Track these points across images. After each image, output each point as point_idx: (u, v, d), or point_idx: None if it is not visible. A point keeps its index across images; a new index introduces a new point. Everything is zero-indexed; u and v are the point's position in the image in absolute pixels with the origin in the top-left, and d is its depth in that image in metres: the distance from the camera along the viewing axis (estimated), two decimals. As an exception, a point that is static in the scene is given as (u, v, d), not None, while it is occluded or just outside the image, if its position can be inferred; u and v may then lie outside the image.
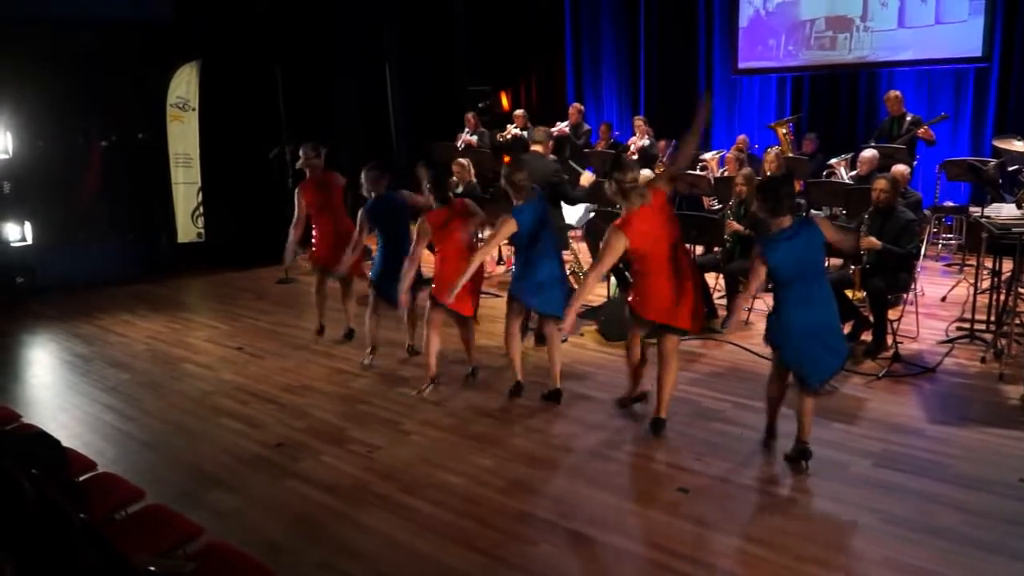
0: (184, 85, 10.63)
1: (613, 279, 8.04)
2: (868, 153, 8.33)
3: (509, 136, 11.38)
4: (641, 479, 4.70)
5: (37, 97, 9.76)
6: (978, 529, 3.98)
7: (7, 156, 9.51)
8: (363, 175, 6.46)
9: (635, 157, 10.24)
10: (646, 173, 8.06)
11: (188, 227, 10.92)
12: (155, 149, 10.83)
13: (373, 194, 6.45)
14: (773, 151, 8.77)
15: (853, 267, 6.55)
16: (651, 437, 5.17)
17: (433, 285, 5.95)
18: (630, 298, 5.15)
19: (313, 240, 7.30)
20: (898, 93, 9.37)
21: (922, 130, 9.05)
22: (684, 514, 4.28)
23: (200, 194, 10.84)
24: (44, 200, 9.95)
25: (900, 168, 7.56)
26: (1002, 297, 6.41)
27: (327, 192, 7.08)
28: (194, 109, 10.66)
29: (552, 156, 7.79)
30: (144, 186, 10.96)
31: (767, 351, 6.54)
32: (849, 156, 9.20)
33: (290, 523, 4.37)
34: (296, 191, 7.11)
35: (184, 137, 10.72)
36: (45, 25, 9.75)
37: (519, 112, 11.59)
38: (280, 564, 3.55)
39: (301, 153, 7.10)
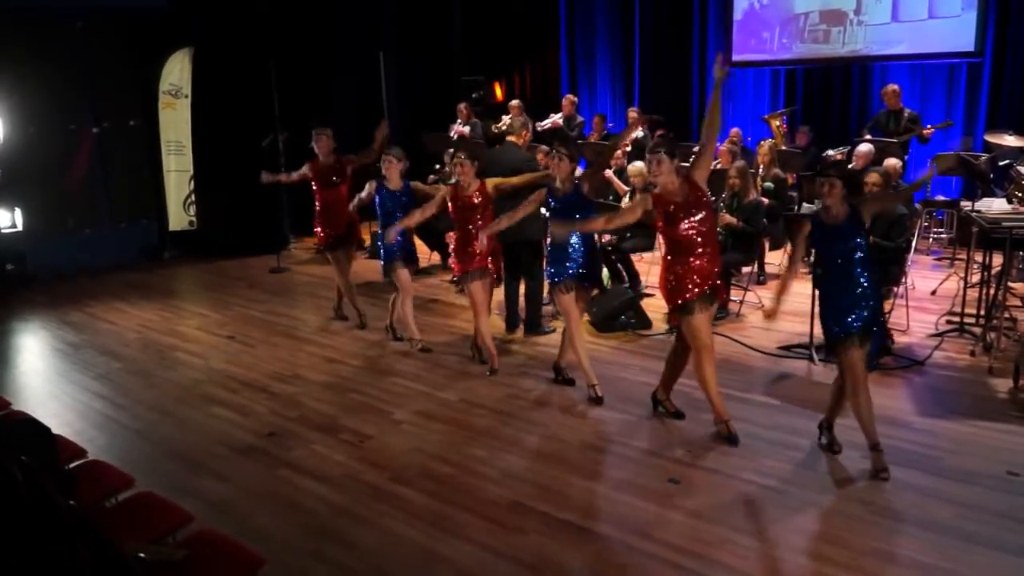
0: (177, 72, 10.56)
1: (605, 271, 8.05)
2: (864, 148, 8.31)
3: (503, 127, 11.34)
4: (632, 470, 4.71)
5: (28, 83, 9.71)
6: (968, 521, 4.01)
7: (-2, 142, 9.46)
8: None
9: (628, 149, 10.23)
10: (639, 165, 8.08)
11: (180, 215, 10.87)
12: (147, 136, 10.79)
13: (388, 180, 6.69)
14: (767, 144, 8.77)
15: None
16: (641, 428, 5.19)
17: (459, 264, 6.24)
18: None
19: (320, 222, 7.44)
20: (896, 87, 9.38)
21: (927, 130, 9.08)
22: (675, 505, 4.29)
23: (192, 182, 10.78)
24: (35, 187, 9.90)
25: (892, 162, 7.57)
26: (992, 291, 6.44)
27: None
28: (187, 96, 10.59)
29: (544, 147, 7.80)
30: (136, 174, 10.92)
31: (758, 343, 6.61)
32: (846, 149, 9.22)
33: (281, 512, 4.37)
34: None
35: (176, 124, 10.66)
36: (38, 12, 9.68)
37: (514, 103, 11.55)
38: (271, 553, 3.54)
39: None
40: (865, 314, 4.42)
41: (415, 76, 13.09)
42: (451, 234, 6.76)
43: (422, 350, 6.72)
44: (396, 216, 6.62)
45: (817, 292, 4.76)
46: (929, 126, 9.20)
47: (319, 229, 7.41)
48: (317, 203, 7.37)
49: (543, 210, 5.70)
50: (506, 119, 11.45)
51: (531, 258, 6.87)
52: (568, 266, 5.58)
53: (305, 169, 7.32)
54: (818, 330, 6.26)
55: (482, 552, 3.94)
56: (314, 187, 7.32)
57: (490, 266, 6.24)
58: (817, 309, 4.72)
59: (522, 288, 7.07)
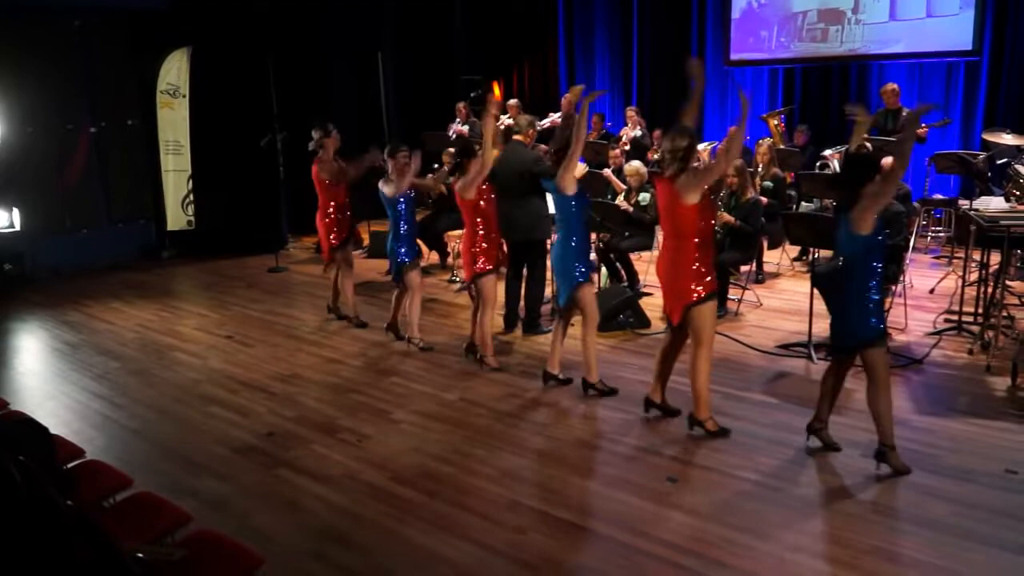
0: (174, 72, 10.57)
1: (604, 270, 8.05)
2: (859, 145, 8.32)
3: (502, 127, 11.31)
4: (630, 469, 4.71)
5: (26, 82, 9.70)
6: (965, 519, 4.01)
7: (-5, 142, 9.45)
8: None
9: (627, 148, 10.23)
10: (635, 165, 8.08)
11: (178, 215, 10.88)
12: (145, 136, 10.78)
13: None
14: (765, 143, 8.78)
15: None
16: (639, 427, 5.19)
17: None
18: None
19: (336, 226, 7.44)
20: (895, 86, 9.39)
21: (923, 129, 9.08)
22: (673, 503, 4.29)
23: (190, 182, 10.78)
24: (33, 187, 9.90)
25: (890, 160, 7.55)
26: (990, 289, 6.45)
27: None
28: (184, 96, 10.60)
29: (543, 147, 7.78)
30: (134, 173, 10.91)
31: (756, 342, 6.61)
32: (842, 148, 9.21)
33: (280, 512, 4.37)
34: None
35: (174, 124, 10.67)
36: (35, 10, 9.67)
37: (513, 102, 11.54)
38: (271, 553, 3.54)
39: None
40: (881, 311, 4.44)
41: (413, 75, 13.10)
42: (450, 234, 6.78)
43: (423, 349, 6.72)
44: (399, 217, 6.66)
45: (830, 293, 4.61)
46: (924, 125, 9.19)
47: (334, 232, 7.35)
48: (331, 205, 7.32)
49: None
50: (504, 119, 11.45)
51: (535, 258, 6.85)
52: (590, 263, 5.72)
53: (326, 174, 7.28)
54: (816, 328, 6.30)
55: (481, 551, 3.94)
56: (321, 188, 7.29)
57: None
58: (833, 311, 4.54)
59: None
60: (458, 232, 8.11)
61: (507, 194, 6.38)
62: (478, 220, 6.12)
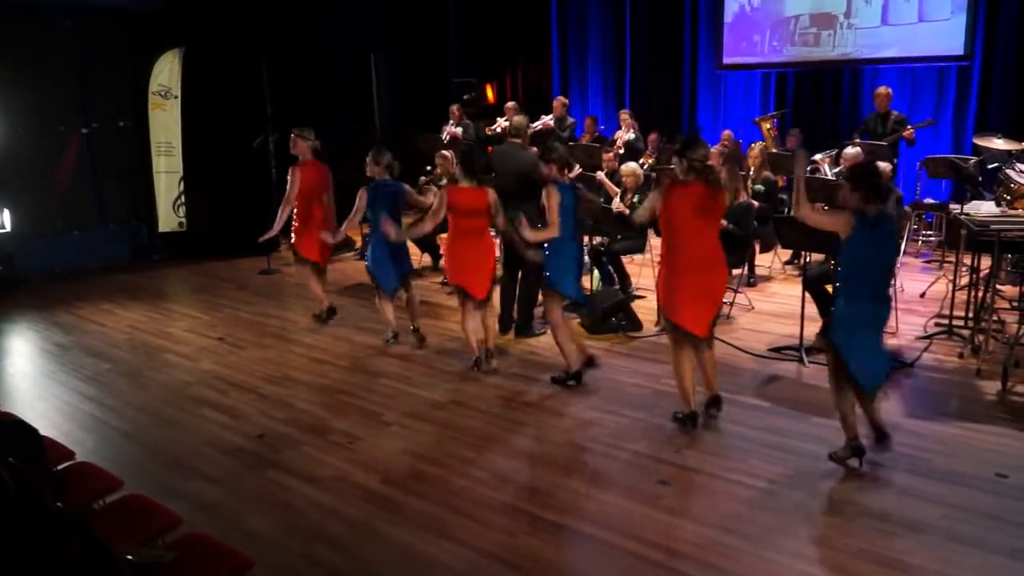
0: (166, 73, 10.54)
1: (596, 273, 8.05)
2: (852, 151, 8.33)
3: (499, 130, 11.32)
4: (622, 472, 4.71)
5: (17, 83, 9.66)
6: (955, 523, 4.02)
7: (-14, 143, 9.42)
8: (368, 157, 6.69)
9: (621, 151, 10.25)
10: (632, 166, 8.09)
11: (169, 216, 10.84)
12: (137, 137, 10.75)
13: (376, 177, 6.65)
14: (757, 146, 8.79)
15: (834, 262, 6.60)
16: (631, 431, 5.20)
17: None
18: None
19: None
20: (887, 90, 9.42)
21: (907, 131, 9.12)
22: (664, 506, 4.29)
23: (182, 183, 10.75)
24: (23, 188, 9.86)
25: (882, 165, 7.58)
26: (980, 294, 6.47)
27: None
28: (176, 97, 10.57)
29: (533, 148, 7.78)
30: (125, 175, 10.88)
31: (747, 345, 6.62)
32: (833, 152, 9.25)
33: (271, 514, 4.36)
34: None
35: (166, 125, 10.64)
36: (27, 10, 9.64)
37: (510, 104, 11.52)
38: (261, 555, 3.53)
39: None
40: None
41: (406, 77, 13.10)
42: (442, 236, 6.71)
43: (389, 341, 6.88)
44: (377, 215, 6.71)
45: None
46: (911, 126, 9.23)
47: (324, 242, 7.32)
48: (319, 213, 7.39)
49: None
50: (501, 122, 11.45)
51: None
52: None
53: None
54: (808, 332, 6.32)
55: (472, 554, 3.94)
56: (313, 195, 7.33)
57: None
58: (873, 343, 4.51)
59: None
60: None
61: (505, 196, 6.32)
62: (486, 234, 6.11)
